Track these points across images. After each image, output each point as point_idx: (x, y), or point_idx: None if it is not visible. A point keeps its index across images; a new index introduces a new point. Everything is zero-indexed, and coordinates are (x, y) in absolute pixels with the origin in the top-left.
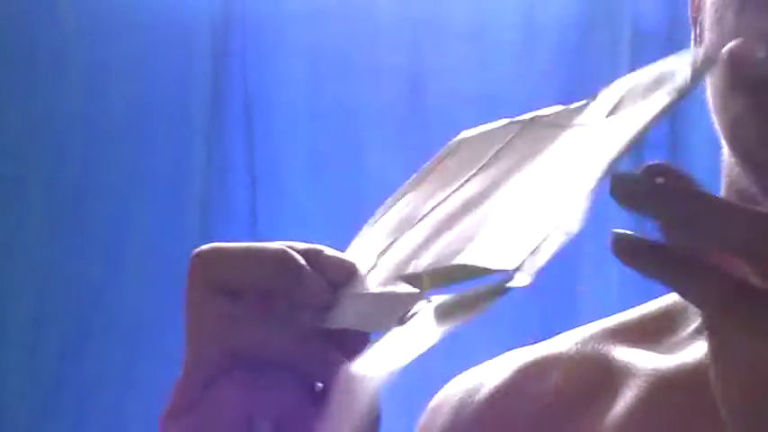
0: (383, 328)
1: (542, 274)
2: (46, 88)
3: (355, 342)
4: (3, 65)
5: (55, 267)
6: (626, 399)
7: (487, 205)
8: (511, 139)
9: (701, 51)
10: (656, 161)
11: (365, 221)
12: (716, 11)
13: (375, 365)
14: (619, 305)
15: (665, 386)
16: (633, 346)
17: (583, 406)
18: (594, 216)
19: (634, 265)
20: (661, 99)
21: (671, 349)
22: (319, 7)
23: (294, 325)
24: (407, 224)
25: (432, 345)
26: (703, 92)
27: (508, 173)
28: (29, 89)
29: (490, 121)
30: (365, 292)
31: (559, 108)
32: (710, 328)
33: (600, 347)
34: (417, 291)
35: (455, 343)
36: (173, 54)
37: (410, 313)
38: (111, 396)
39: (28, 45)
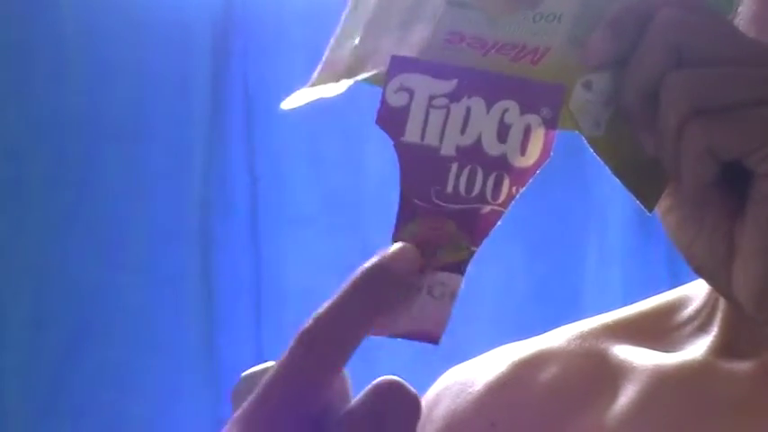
0: None
1: (546, 274)
2: (46, 88)
3: None
4: (3, 65)
5: (55, 267)
6: (626, 396)
7: None
8: None
9: None
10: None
11: (365, 221)
12: None
13: None
14: (623, 305)
15: (666, 384)
16: (632, 343)
17: (583, 402)
18: (598, 215)
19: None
20: None
21: (671, 346)
22: (320, 6)
23: None
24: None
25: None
26: None
27: None
28: (29, 89)
29: None
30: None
31: None
32: None
33: (599, 343)
34: None
35: (457, 343)
36: (173, 54)
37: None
38: (111, 396)
39: (28, 45)
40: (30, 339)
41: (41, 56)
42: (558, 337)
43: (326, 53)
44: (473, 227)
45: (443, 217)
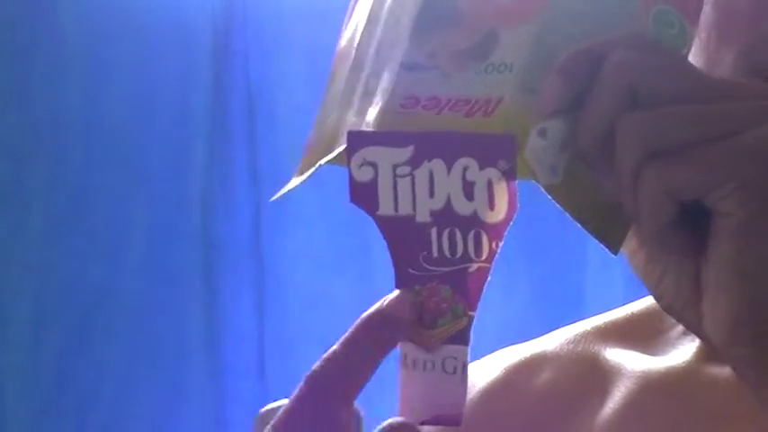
0: None
1: (548, 276)
2: (46, 88)
3: None
4: (3, 65)
5: (55, 267)
6: (615, 400)
7: None
8: None
9: None
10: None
11: (367, 220)
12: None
13: None
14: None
15: (651, 390)
16: (623, 347)
17: (573, 406)
18: None
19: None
20: None
21: (660, 350)
22: (321, 5)
23: None
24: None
25: None
26: None
27: None
28: (29, 89)
29: None
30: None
31: None
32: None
33: (590, 347)
34: None
35: None
36: (174, 53)
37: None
38: (111, 396)
39: (28, 45)
40: (30, 339)
41: (41, 56)
42: (551, 341)
43: (310, 137)
44: (466, 288)
45: (438, 282)
